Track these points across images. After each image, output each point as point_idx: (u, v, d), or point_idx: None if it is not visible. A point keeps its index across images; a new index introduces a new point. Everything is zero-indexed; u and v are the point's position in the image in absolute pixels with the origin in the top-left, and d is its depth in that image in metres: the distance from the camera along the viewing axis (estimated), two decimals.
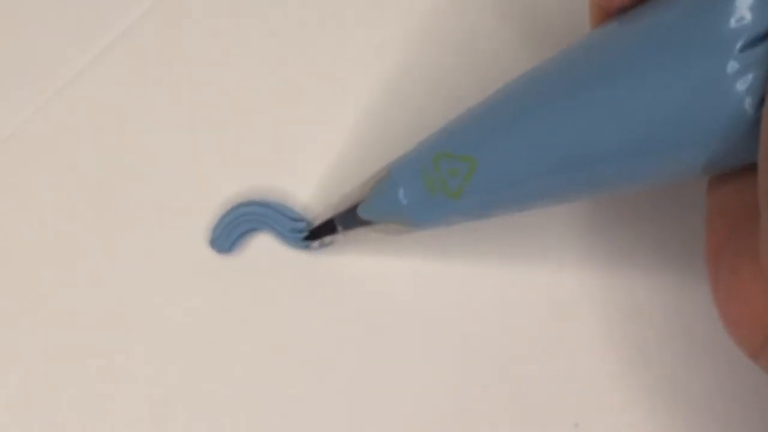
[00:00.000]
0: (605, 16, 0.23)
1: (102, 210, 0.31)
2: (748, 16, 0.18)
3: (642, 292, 0.29)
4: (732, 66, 0.18)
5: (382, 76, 0.31)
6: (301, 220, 0.30)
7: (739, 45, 0.18)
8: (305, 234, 0.29)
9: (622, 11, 0.22)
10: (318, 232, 0.29)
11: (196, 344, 0.30)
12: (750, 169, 0.19)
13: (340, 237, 0.28)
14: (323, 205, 0.30)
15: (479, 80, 0.31)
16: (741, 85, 0.18)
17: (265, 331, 0.30)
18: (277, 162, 0.31)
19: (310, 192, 0.31)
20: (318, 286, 0.30)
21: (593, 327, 0.29)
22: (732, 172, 0.21)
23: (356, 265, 0.30)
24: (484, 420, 0.29)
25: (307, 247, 0.29)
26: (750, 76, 0.18)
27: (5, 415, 0.30)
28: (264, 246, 0.30)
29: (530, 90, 0.22)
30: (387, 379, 0.29)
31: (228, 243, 0.30)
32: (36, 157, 0.32)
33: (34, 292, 0.31)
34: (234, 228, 0.30)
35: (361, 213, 0.26)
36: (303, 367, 0.30)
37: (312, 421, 0.29)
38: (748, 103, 0.18)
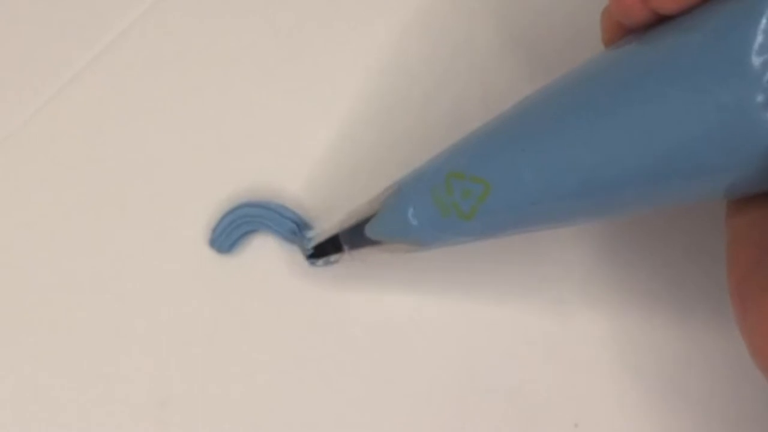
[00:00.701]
0: (622, 33, 0.22)
1: (102, 210, 0.31)
2: None
3: (642, 295, 0.29)
4: (761, 95, 0.18)
5: (382, 76, 0.31)
6: (301, 221, 0.30)
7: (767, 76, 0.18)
8: (310, 251, 0.28)
9: (640, 30, 0.21)
10: (323, 250, 0.28)
11: (196, 344, 0.30)
12: None
13: (345, 256, 0.27)
14: (323, 206, 0.30)
15: (477, 80, 0.31)
16: None
17: (265, 330, 0.30)
18: (277, 163, 0.31)
19: (311, 193, 0.31)
20: (318, 285, 0.30)
21: (593, 327, 0.29)
22: (754, 197, 0.20)
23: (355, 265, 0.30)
24: (485, 420, 0.29)
25: (312, 265, 0.29)
26: None
27: (5, 415, 0.30)
28: (264, 246, 0.30)
29: (546, 109, 0.22)
30: (387, 379, 0.29)
31: (228, 243, 0.30)
32: (36, 157, 0.32)
33: (34, 292, 0.31)
34: (234, 228, 0.30)
35: (369, 232, 0.25)
36: (302, 367, 0.30)
37: (312, 421, 0.29)
38: None
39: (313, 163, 0.31)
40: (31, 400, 0.30)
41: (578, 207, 0.21)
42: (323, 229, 0.28)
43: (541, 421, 0.28)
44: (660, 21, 0.20)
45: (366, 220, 0.25)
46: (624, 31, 0.22)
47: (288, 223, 0.30)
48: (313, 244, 0.28)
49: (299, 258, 0.30)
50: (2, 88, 0.32)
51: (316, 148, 0.31)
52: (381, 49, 0.31)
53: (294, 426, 0.29)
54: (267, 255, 0.30)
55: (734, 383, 0.28)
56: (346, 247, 0.27)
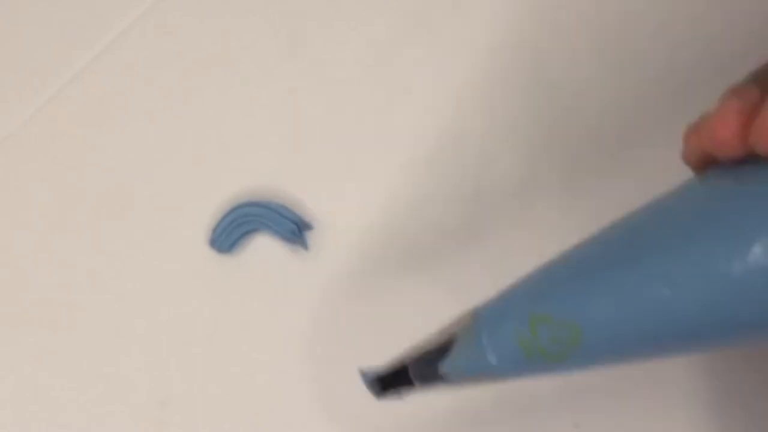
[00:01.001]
0: (708, 160, 0.20)
1: (102, 210, 0.31)
2: None
3: None
4: None
5: (382, 75, 0.31)
6: (301, 221, 0.30)
7: None
8: (375, 384, 0.24)
9: (731, 162, 0.20)
10: (391, 382, 0.24)
11: (196, 344, 0.30)
12: None
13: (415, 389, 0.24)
14: (323, 206, 0.30)
15: (477, 80, 0.31)
16: None
17: (264, 330, 0.30)
18: (277, 162, 0.31)
19: (311, 193, 0.31)
20: (317, 285, 0.30)
21: None
22: None
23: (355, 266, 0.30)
24: (486, 420, 0.29)
25: (381, 398, 0.24)
26: None
27: (5, 414, 0.30)
28: (264, 246, 0.30)
29: (638, 244, 0.20)
30: None
31: (228, 243, 0.30)
32: (36, 157, 0.32)
33: (34, 292, 0.31)
34: (234, 228, 0.30)
35: (444, 368, 0.23)
36: (302, 366, 0.30)
37: (312, 421, 0.29)
38: None
39: (314, 163, 0.31)
40: (31, 400, 0.30)
41: (673, 348, 0.20)
42: (390, 359, 0.24)
43: (541, 421, 0.28)
44: (754, 157, 0.19)
45: (437, 351, 0.23)
46: (711, 158, 0.20)
47: (288, 223, 0.30)
48: (377, 373, 0.24)
49: (299, 258, 0.30)
50: (2, 88, 0.32)
51: (316, 148, 0.31)
52: (381, 48, 0.31)
53: (294, 426, 0.29)
54: (267, 255, 0.30)
55: (734, 384, 0.28)
56: (417, 382, 0.24)
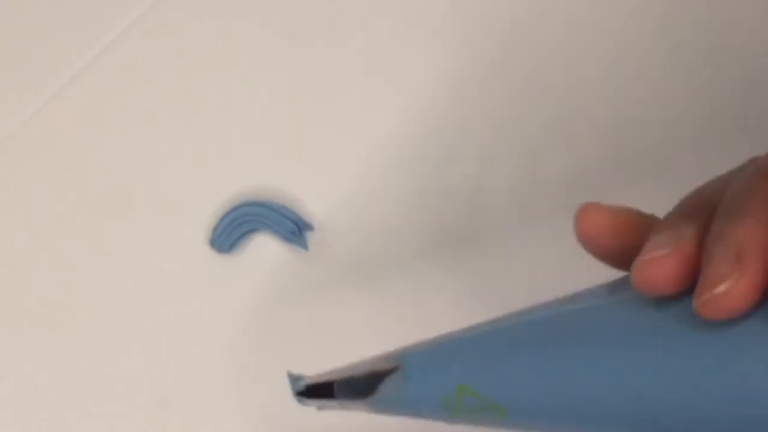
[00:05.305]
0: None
1: (102, 210, 0.31)
2: None
3: None
4: None
5: (382, 75, 0.31)
6: (301, 221, 0.30)
7: None
8: (301, 388, 0.25)
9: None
10: (315, 392, 0.25)
11: (196, 344, 0.30)
12: None
13: (335, 404, 0.25)
14: (323, 206, 0.30)
15: (478, 79, 0.31)
16: None
17: (264, 330, 0.30)
18: (277, 162, 0.31)
19: (311, 193, 0.31)
20: (317, 285, 0.30)
21: None
22: None
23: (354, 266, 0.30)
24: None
25: (300, 402, 0.25)
26: None
27: (5, 414, 0.30)
28: (264, 246, 0.30)
29: (571, 334, 0.20)
30: None
31: (228, 243, 0.30)
32: (36, 157, 0.32)
33: (34, 292, 0.31)
34: (234, 228, 0.30)
35: (370, 404, 0.23)
36: (301, 367, 0.30)
37: (313, 421, 0.29)
38: None
39: (314, 163, 0.31)
40: (31, 400, 0.30)
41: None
42: (318, 372, 0.26)
43: None
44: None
45: (364, 382, 0.24)
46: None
47: (288, 223, 0.30)
48: (306, 383, 0.25)
49: (299, 258, 0.30)
50: (2, 88, 0.32)
51: (317, 148, 0.31)
52: (381, 48, 0.31)
53: (294, 426, 0.29)
54: (267, 255, 0.30)
55: None
56: (338, 398, 0.24)
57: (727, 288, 0.16)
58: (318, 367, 0.30)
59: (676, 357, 0.18)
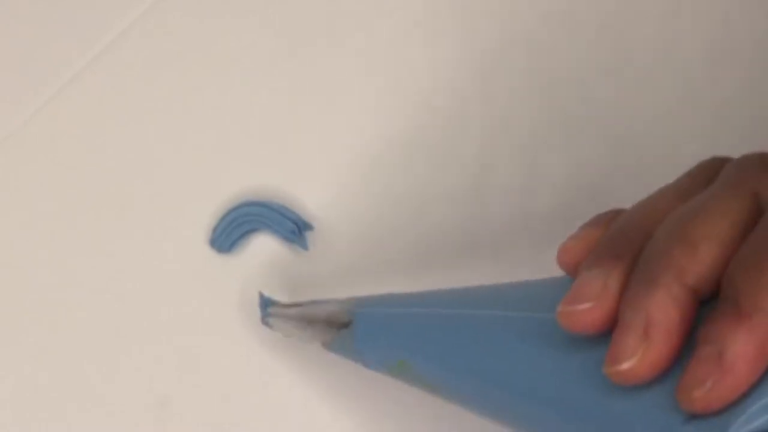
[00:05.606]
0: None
1: (102, 210, 0.31)
2: None
3: None
4: None
5: (383, 75, 0.31)
6: (301, 221, 0.30)
7: None
8: (265, 308, 0.28)
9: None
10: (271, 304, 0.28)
11: (196, 344, 0.30)
12: None
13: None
14: (323, 206, 0.30)
15: (478, 78, 0.31)
16: None
17: (265, 330, 0.30)
18: (277, 162, 0.31)
19: (311, 192, 0.31)
20: (317, 285, 0.30)
21: None
22: None
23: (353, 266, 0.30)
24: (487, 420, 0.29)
25: (264, 323, 0.29)
26: None
27: (5, 414, 0.30)
28: (264, 246, 0.30)
29: (497, 342, 0.22)
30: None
31: (228, 243, 0.30)
32: (36, 157, 0.32)
33: (34, 292, 0.31)
34: (234, 228, 0.30)
35: (325, 345, 0.27)
36: (302, 366, 0.30)
37: (312, 421, 0.29)
38: None
39: (314, 163, 0.31)
40: (31, 400, 0.30)
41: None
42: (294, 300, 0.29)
43: None
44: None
45: (324, 323, 0.27)
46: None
47: (288, 223, 0.30)
48: (273, 301, 0.28)
49: (299, 258, 0.30)
50: (2, 88, 0.32)
51: (317, 148, 0.31)
52: (381, 48, 0.31)
53: (294, 426, 0.29)
54: (267, 255, 0.30)
55: None
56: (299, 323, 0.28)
57: (631, 365, 0.18)
58: (318, 366, 0.30)
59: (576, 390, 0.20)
